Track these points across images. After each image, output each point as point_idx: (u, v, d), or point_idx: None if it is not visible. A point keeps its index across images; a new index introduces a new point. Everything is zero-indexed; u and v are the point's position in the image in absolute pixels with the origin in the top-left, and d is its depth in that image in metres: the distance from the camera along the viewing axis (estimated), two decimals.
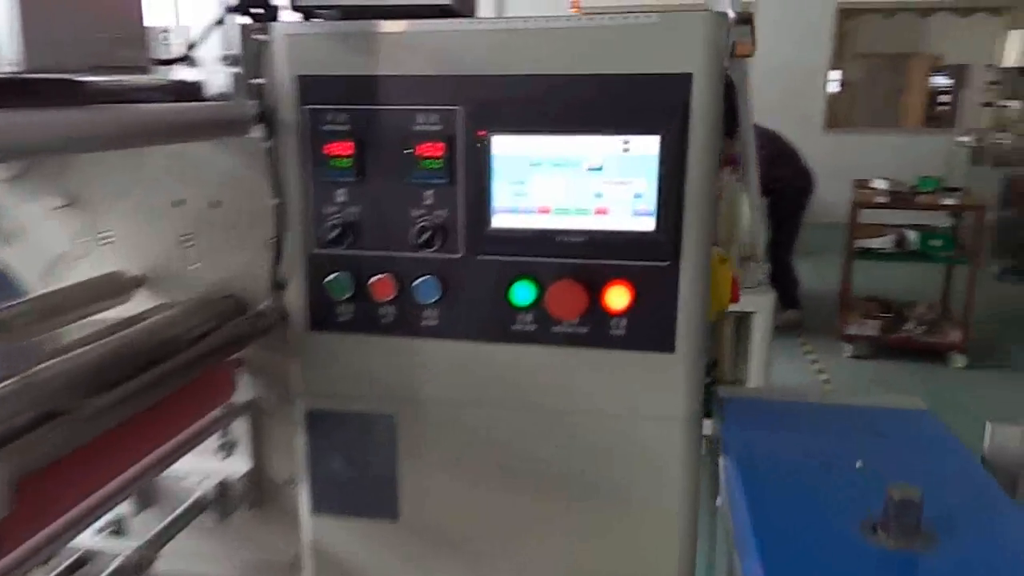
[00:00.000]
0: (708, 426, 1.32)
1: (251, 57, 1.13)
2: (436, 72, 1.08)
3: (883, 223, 5.45)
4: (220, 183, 1.21)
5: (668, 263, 1.06)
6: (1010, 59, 6.87)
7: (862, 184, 5.41)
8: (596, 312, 1.09)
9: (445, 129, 1.09)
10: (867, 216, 5.28)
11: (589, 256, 1.08)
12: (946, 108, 10.71)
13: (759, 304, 3.75)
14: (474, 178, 1.09)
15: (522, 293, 1.10)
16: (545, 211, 1.08)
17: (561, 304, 1.08)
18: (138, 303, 1.25)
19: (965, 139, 7.38)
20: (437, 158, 1.09)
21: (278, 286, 1.20)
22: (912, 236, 5.11)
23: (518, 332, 1.13)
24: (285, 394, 1.26)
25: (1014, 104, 6.82)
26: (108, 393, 0.88)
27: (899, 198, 5.10)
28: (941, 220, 5.33)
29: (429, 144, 1.09)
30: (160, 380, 0.98)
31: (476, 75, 1.06)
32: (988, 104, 7.58)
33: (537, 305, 1.10)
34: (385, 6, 1.10)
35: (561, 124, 1.05)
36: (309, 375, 1.22)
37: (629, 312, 1.08)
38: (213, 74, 1.15)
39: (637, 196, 1.05)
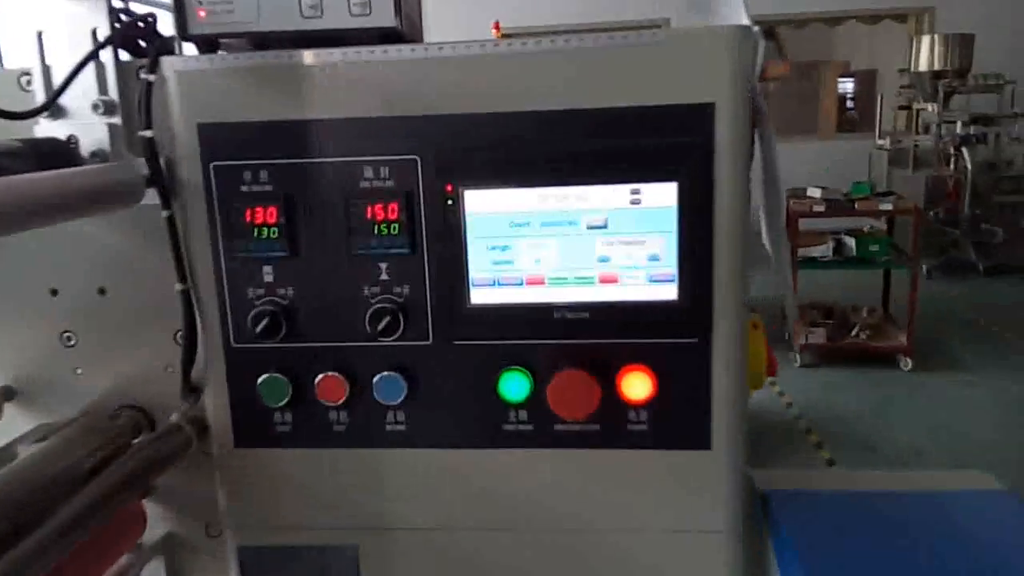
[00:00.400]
0: None
1: (136, 103, 0.86)
2: (384, 113, 0.84)
3: (816, 230, 5.44)
4: (106, 266, 0.94)
5: (696, 339, 0.84)
6: (922, 63, 7.04)
7: (796, 193, 5.38)
8: (610, 404, 0.86)
9: (401, 184, 0.85)
10: (803, 225, 5.25)
11: (597, 336, 0.85)
12: (854, 113, 11.03)
13: None
14: (443, 245, 0.85)
15: (514, 386, 0.87)
16: (537, 282, 0.85)
17: (566, 399, 0.85)
18: (8, 423, 0.96)
19: (883, 143, 7.51)
20: (393, 221, 0.85)
21: (192, 392, 0.94)
22: (850, 242, 5.10)
23: (510, 434, 0.89)
24: (211, 526, 0.99)
25: (929, 107, 6.97)
26: None
27: (837, 206, 5.08)
28: (867, 223, 5.36)
29: (381, 204, 0.85)
30: (42, 548, 0.70)
31: (438, 115, 0.83)
32: (904, 107, 7.75)
33: (534, 400, 0.87)
34: (310, 32, 0.86)
35: (552, 173, 0.83)
36: (239, 502, 0.95)
37: (651, 402, 0.86)
38: (87, 127, 0.89)
39: (653, 259, 0.83)
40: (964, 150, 6.74)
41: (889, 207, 4.90)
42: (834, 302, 5.60)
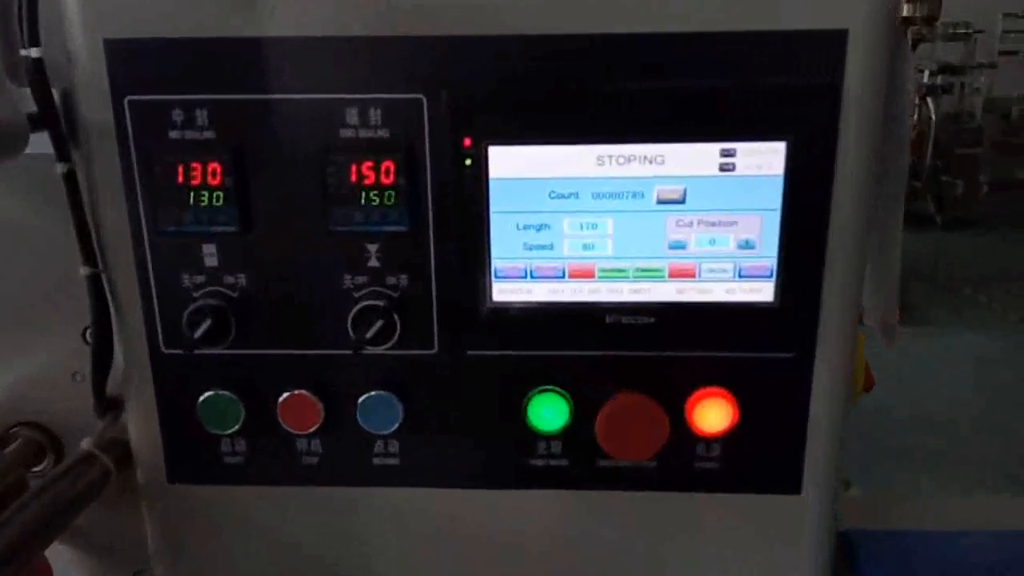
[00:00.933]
0: None
1: (14, 12, 0.59)
2: (378, 32, 0.59)
3: None
4: None
5: (794, 354, 0.63)
6: None
7: None
8: (676, 437, 0.65)
9: (400, 135, 0.60)
10: None
11: (663, 348, 0.63)
12: None
13: None
14: (456, 220, 0.62)
15: (547, 412, 0.65)
16: (586, 275, 0.62)
17: (621, 433, 0.63)
18: None
19: None
20: (386, 187, 0.61)
21: (109, 408, 0.70)
22: None
23: (539, 472, 0.68)
24: (140, 572, 0.77)
25: None
26: None
27: None
28: None
29: (371, 162, 0.61)
30: None
31: (455, 36, 0.58)
32: None
33: (573, 429, 0.65)
34: None
35: (612, 124, 0.59)
36: (173, 553, 0.72)
37: (730, 435, 0.65)
38: None
39: (745, 246, 0.61)
40: (929, 100, 6.65)
41: None
42: None
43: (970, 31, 6.90)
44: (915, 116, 6.89)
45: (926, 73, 6.65)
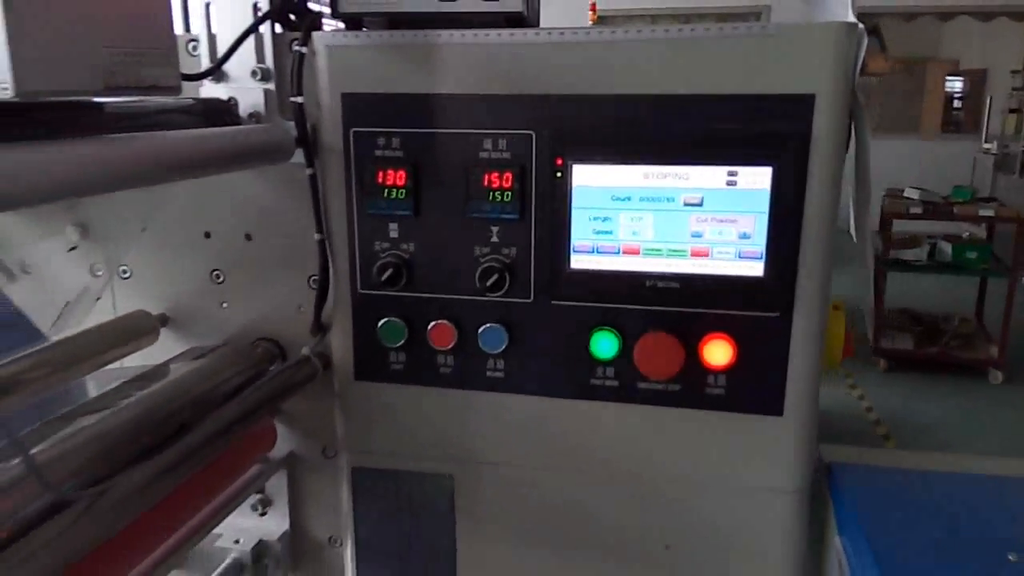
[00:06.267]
0: None
1: (289, 72, 0.98)
2: (505, 91, 0.94)
3: (913, 233, 5.28)
4: (254, 215, 1.07)
5: (778, 314, 0.91)
6: None
7: (894, 194, 5.24)
8: (692, 369, 0.94)
9: (516, 156, 0.94)
10: (897, 227, 5.12)
11: (685, 304, 0.93)
12: (960, 114, 10.52)
13: None
14: (550, 213, 0.94)
15: (604, 345, 0.96)
16: (633, 252, 0.93)
17: (652, 359, 0.93)
18: (163, 345, 1.11)
19: (990, 146, 7.19)
20: (506, 189, 0.95)
21: (321, 330, 1.06)
22: (946, 248, 4.94)
23: (598, 388, 0.98)
24: (327, 447, 1.12)
25: None
26: (134, 470, 0.74)
27: (935, 209, 4.92)
28: (967, 229, 5.17)
29: (497, 173, 0.95)
30: (191, 451, 0.84)
31: (554, 95, 0.92)
32: (1015, 111, 7.39)
33: (622, 359, 0.96)
34: (443, 14, 0.95)
35: (654, 152, 0.91)
36: (355, 429, 1.08)
37: (731, 369, 0.93)
38: (245, 92, 1.02)
39: (743, 236, 0.90)
40: None
41: (990, 213, 4.72)
42: (925, 309, 5.45)
43: None
44: None
45: None
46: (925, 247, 5.00)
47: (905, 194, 5.14)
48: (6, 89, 0.57)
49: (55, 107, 0.69)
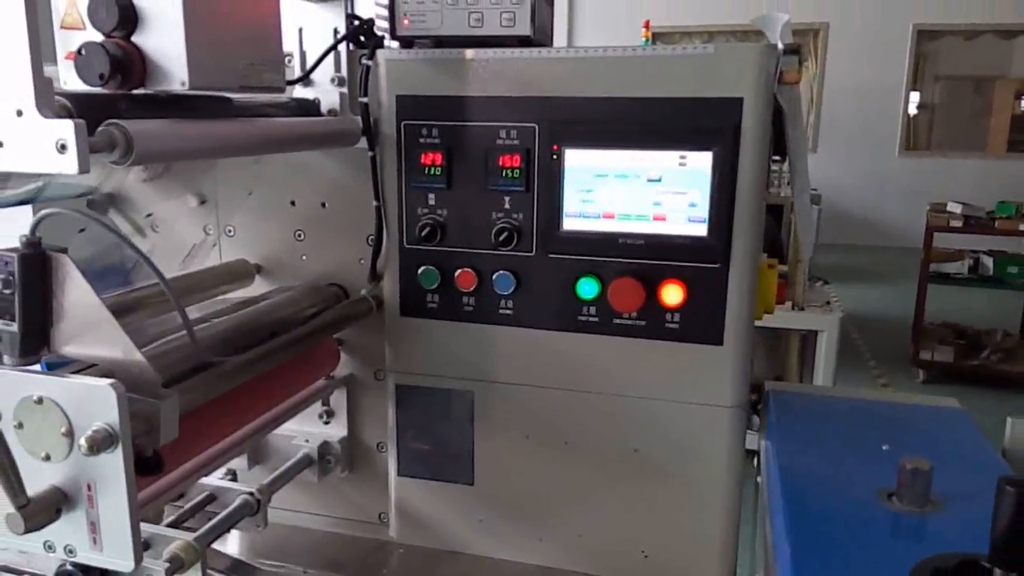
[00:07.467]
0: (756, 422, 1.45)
1: (358, 79, 1.31)
2: (517, 94, 1.24)
3: (959, 248, 5.38)
4: (327, 187, 1.40)
5: (718, 265, 1.20)
6: None
7: (937, 208, 5.35)
8: (653, 307, 1.23)
9: (523, 143, 1.25)
10: (943, 241, 5.23)
11: (647, 257, 1.22)
12: None
13: (824, 323, 3.80)
14: (547, 187, 1.25)
15: (587, 288, 1.25)
16: (609, 217, 1.23)
17: (622, 298, 1.23)
18: (258, 287, 1.45)
19: None
20: (516, 168, 1.26)
21: (375, 277, 1.38)
22: (987, 262, 5.03)
23: (583, 323, 1.28)
24: (378, 370, 1.44)
25: None
26: (243, 354, 1.07)
27: (975, 223, 5.02)
28: (1015, 246, 5.23)
29: (509, 156, 1.26)
30: (279, 349, 1.17)
31: (552, 96, 1.23)
32: None
33: (600, 299, 1.25)
34: (474, 37, 1.27)
35: (625, 140, 1.20)
36: (399, 354, 1.40)
37: (682, 308, 1.22)
38: (326, 93, 1.35)
39: (692, 205, 1.19)
40: None
41: None
42: (967, 322, 5.51)
43: None
44: None
45: None
46: (967, 261, 5.10)
47: (948, 208, 5.25)
48: (184, 84, 0.91)
49: (203, 99, 1.03)
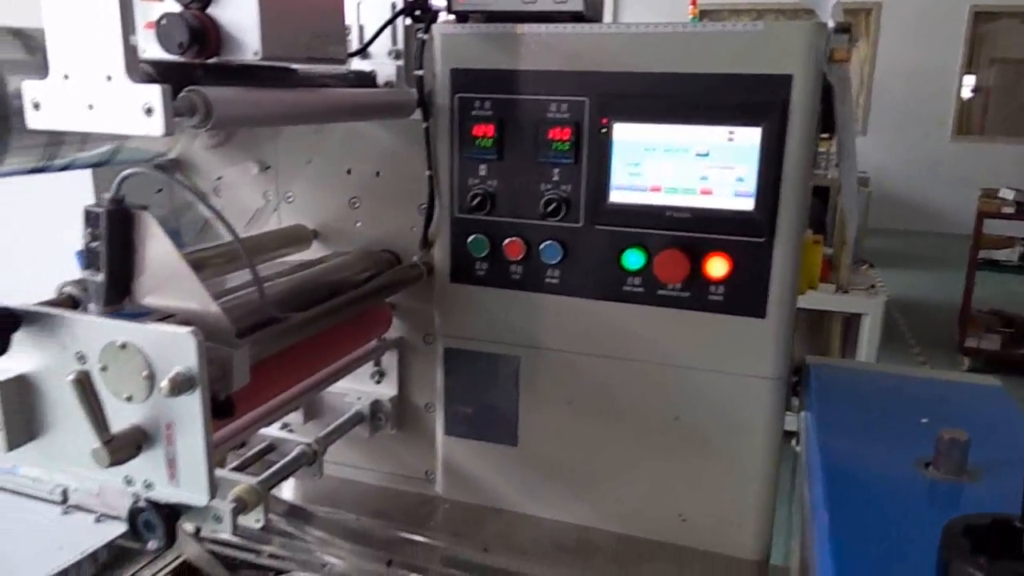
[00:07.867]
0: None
1: (414, 53, 1.36)
2: (568, 68, 1.28)
3: (1010, 235, 5.26)
4: (382, 157, 1.45)
5: (763, 239, 1.22)
6: None
7: (989, 193, 5.23)
8: (697, 279, 1.26)
9: (573, 117, 1.28)
10: (993, 227, 5.12)
11: (693, 230, 1.25)
12: None
13: (868, 306, 3.77)
14: (596, 159, 1.28)
15: (633, 259, 1.29)
16: (656, 190, 1.26)
17: (667, 270, 1.26)
18: (315, 251, 1.52)
19: None
20: (565, 141, 1.29)
21: (427, 244, 1.44)
22: None
23: (628, 293, 1.31)
24: (427, 334, 1.50)
25: None
26: (304, 312, 1.13)
27: None
28: None
29: (559, 129, 1.29)
30: (337, 309, 1.22)
31: (602, 71, 1.25)
32: None
33: (646, 270, 1.28)
34: (526, 12, 1.30)
35: (674, 115, 1.23)
36: (448, 319, 1.45)
37: (727, 281, 1.25)
38: (383, 66, 1.40)
39: (739, 180, 1.21)
40: None
41: None
42: (1015, 311, 5.40)
43: None
44: None
45: None
46: (1017, 248, 4.99)
47: (1000, 194, 5.13)
48: (257, 54, 0.96)
49: (271, 69, 1.08)
